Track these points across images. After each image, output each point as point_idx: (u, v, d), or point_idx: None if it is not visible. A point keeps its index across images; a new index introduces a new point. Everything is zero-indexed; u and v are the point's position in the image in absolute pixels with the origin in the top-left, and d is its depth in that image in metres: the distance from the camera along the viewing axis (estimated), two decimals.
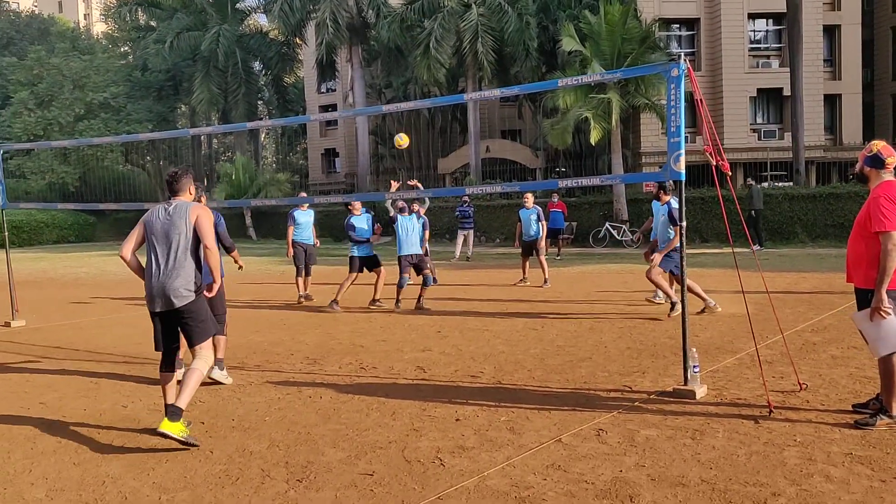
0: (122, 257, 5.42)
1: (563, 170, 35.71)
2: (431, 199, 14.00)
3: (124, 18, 47.13)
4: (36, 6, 79.43)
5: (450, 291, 13.67)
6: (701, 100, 6.13)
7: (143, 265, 5.41)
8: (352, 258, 12.10)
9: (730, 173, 6.18)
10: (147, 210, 5.53)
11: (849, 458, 4.50)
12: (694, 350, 6.10)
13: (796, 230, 23.59)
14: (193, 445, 5.04)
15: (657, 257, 9.79)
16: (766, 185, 31.28)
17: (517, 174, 37.42)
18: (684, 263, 6.27)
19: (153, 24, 47.48)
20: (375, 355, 8.21)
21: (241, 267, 7.72)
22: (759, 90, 34.69)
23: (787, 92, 30.83)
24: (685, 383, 6.04)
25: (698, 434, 5.04)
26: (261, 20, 50.78)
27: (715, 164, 6.05)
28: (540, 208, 14.73)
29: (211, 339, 5.48)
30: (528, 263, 14.77)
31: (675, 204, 9.64)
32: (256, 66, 47.08)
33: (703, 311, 9.99)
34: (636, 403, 5.87)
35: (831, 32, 36.10)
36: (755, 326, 6.84)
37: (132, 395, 6.68)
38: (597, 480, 4.29)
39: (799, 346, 7.81)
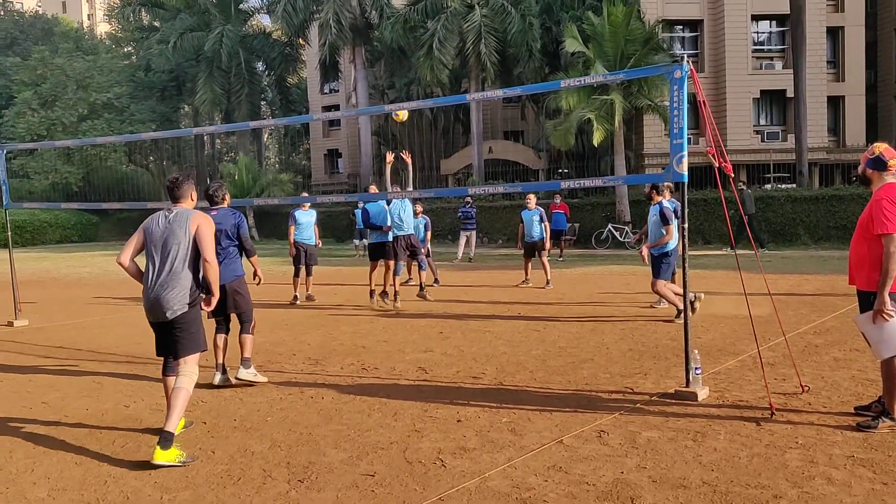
0: (119, 263, 5.27)
1: (566, 171, 35.67)
2: (433, 199, 14.03)
3: (128, 19, 47.17)
4: (39, 6, 79.53)
5: (452, 292, 13.66)
6: (704, 101, 6.13)
7: (143, 271, 5.26)
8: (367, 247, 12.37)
9: (732, 175, 6.18)
10: (149, 211, 5.45)
11: (851, 460, 4.49)
12: (696, 352, 6.10)
13: (799, 232, 23.56)
14: (192, 461, 4.88)
15: (644, 251, 9.78)
16: (769, 186, 31.27)
17: (520, 175, 37.41)
18: (686, 264, 6.26)
19: (157, 24, 47.55)
20: (377, 356, 8.22)
21: (259, 281, 7.43)
22: (762, 92, 34.65)
23: (790, 94, 30.80)
24: (687, 385, 6.04)
25: (700, 436, 5.04)
26: (264, 21, 50.93)
27: (717, 165, 6.04)
28: (542, 209, 14.73)
29: (198, 354, 5.22)
30: (530, 265, 14.77)
31: (666, 204, 9.64)
32: (260, 66, 47.09)
33: (678, 315, 9.75)
34: (638, 405, 5.87)
35: (835, 34, 36.06)
36: (757, 328, 6.84)
37: (134, 394, 6.69)
38: (598, 482, 4.29)
39: (801, 348, 7.80)
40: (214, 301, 5.32)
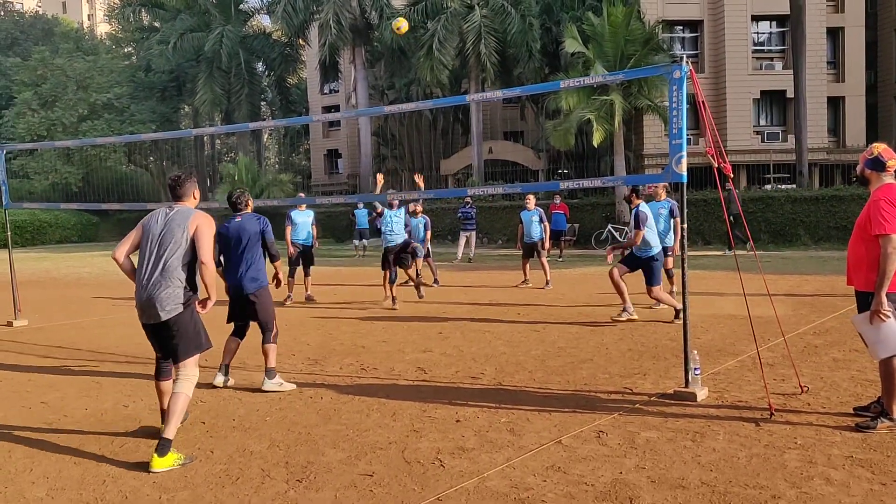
0: (114, 259, 5.09)
1: (566, 171, 35.68)
2: (433, 199, 14.07)
3: (128, 19, 47.18)
4: (40, 7, 79.58)
5: (451, 292, 13.66)
6: (703, 102, 6.13)
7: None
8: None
9: (732, 175, 6.18)
10: (149, 211, 5.30)
11: (849, 460, 4.49)
12: (695, 352, 6.10)
13: (799, 232, 23.55)
14: (191, 461, 4.85)
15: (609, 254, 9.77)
16: (769, 187, 31.26)
17: (519, 175, 37.42)
18: (685, 264, 6.26)
19: (157, 24, 47.57)
20: (376, 356, 8.22)
21: (278, 284, 7.31)
22: (762, 92, 34.64)
23: (790, 94, 30.79)
24: (686, 385, 6.04)
25: (699, 436, 5.04)
26: (264, 21, 50.94)
27: (717, 166, 6.04)
28: (542, 210, 14.73)
29: (197, 356, 5.08)
30: (528, 265, 14.77)
31: (642, 208, 9.61)
32: (259, 67, 47.12)
33: (621, 313, 9.95)
34: (637, 405, 5.87)
35: (835, 35, 36.04)
36: (757, 329, 6.84)
37: (133, 394, 6.68)
38: (597, 482, 4.29)
39: (800, 348, 7.80)
40: (210, 304, 5.09)
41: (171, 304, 4.87)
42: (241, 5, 44.63)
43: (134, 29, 49.87)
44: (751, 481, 4.22)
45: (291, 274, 13.16)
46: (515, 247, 15.36)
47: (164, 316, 4.88)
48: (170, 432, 4.78)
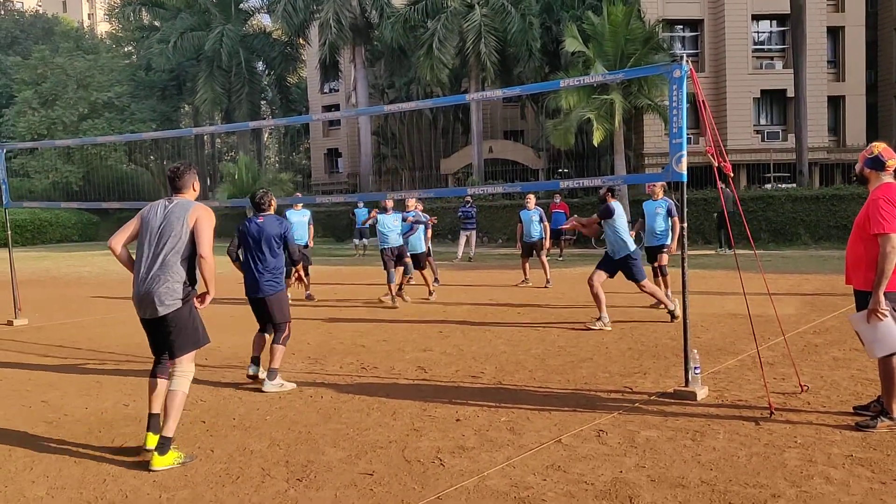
0: (110, 247, 4.97)
1: (566, 170, 35.69)
2: (433, 199, 14.07)
3: (128, 18, 47.22)
4: (40, 6, 79.53)
5: (452, 292, 13.66)
6: (703, 101, 6.13)
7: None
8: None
9: (732, 175, 6.18)
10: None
11: (849, 459, 4.49)
12: (695, 351, 6.10)
13: (799, 231, 23.55)
14: (191, 460, 4.85)
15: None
16: (769, 186, 31.26)
17: (519, 175, 37.42)
18: (685, 263, 6.26)
19: (157, 24, 47.61)
20: (376, 355, 8.22)
21: (299, 280, 7.43)
22: (762, 91, 34.65)
23: (790, 93, 30.80)
24: (686, 384, 6.04)
25: (699, 435, 5.04)
26: (264, 20, 50.97)
27: (717, 165, 6.04)
28: (542, 209, 14.73)
29: (193, 353, 5.00)
30: (528, 264, 14.76)
31: (612, 205, 9.55)
32: (260, 66, 47.16)
33: (595, 321, 9.56)
34: (637, 404, 5.87)
35: (835, 34, 36.06)
36: (757, 328, 6.84)
37: (134, 393, 6.68)
38: (596, 481, 4.29)
39: (800, 347, 7.80)
40: (209, 299, 4.98)
41: (169, 298, 4.77)
42: (242, 4, 44.65)
43: (134, 28, 49.91)
44: (751, 480, 4.22)
45: (288, 274, 13.12)
46: (515, 246, 15.36)
47: (162, 311, 4.78)
48: (169, 430, 4.76)
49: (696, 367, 6.01)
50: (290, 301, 11.95)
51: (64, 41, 50.49)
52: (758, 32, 35.76)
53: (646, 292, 9.74)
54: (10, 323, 11.37)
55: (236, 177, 38.06)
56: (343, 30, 36.17)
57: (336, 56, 39.14)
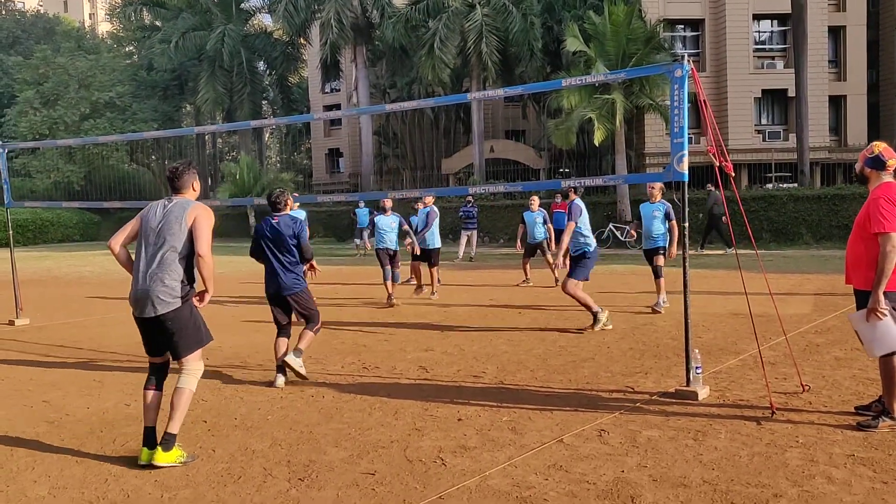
0: (110, 247, 4.96)
1: (567, 170, 35.69)
2: (436, 197, 14.11)
3: (129, 18, 47.27)
4: (41, 6, 79.55)
5: (453, 291, 13.66)
6: (705, 101, 6.13)
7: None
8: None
9: (733, 174, 6.18)
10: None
11: (851, 459, 4.49)
12: (696, 351, 6.10)
13: (801, 231, 23.55)
14: (193, 460, 4.85)
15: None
16: (770, 186, 31.26)
17: (521, 174, 37.43)
18: (686, 263, 6.25)
19: (158, 23, 47.63)
20: (378, 355, 8.22)
21: (312, 269, 7.55)
22: (763, 91, 34.64)
23: (791, 93, 30.79)
24: (687, 384, 6.04)
25: (700, 435, 5.04)
26: (265, 20, 50.99)
27: (718, 165, 6.04)
28: (545, 212, 14.69)
29: (200, 351, 4.95)
30: (529, 264, 14.74)
31: (577, 202, 9.40)
32: (261, 65, 47.20)
33: (593, 324, 9.31)
34: (638, 404, 5.87)
35: (836, 33, 36.03)
36: (758, 328, 6.84)
37: (135, 393, 6.67)
38: (598, 481, 4.29)
39: (802, 347, 7.80)
40: (208, 297, 4.92)
41: (167, 297, 4.71)
42: (243, 4, 44.71)
43: (135, 28, 49.94)
44: (752, 480, 4.22)
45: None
46: (516, 247, 15.36)
47: (161, 309, 4.71)
48: (174, 427, 4.75)
49: (697, 367, 6.00)
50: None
51: (65, 41, 50.56)
52: (759, 32, 35.76)
53: (566, 292, 9.26)
54: (11, 323, 11.38)
55: (237, 177, 38.13)
56: (344, 29, 36.17)
57: (337, 56, 39.15)
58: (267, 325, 10.38)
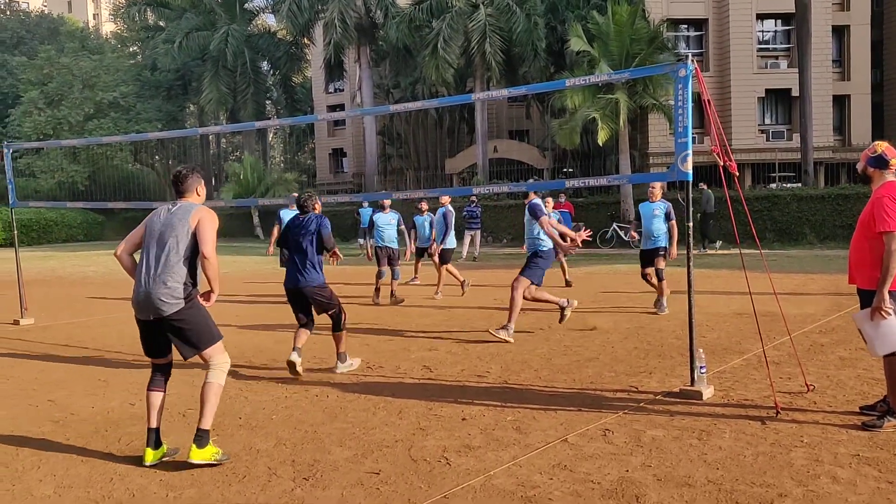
0: (116, 256, 4.99)
1: (571, 170, 35.67)
2: (438, 198, 14.10)
3: (133, 18, 47.30)
4: (45, 6, 79.68)
5: (456, 291, 13.66)
6: (709, 100, 6.12)
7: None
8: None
9: (737, 174, 6.17)
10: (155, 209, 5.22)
11: (856, 459, 4.49)
12: (701, 351, 6.10)
13: (805, 231, 23.52)
14: (228, 459, 4.82)
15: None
16: (774, 185, 31.22)
17: (525, 174, 37.41)
18: (690, 263, 6.25)
19: (162, 24, 47.71)
20: (382, 354, 8.23)
21: (336, 261, 7.72)
22: (767, 91, 34.58)
23: (795, 92, 30.73)
24: (692, 384, 6.04)
25: (705, 434, 5.04)
26: (269, 20, 50.97)
27: (722, 164, 6.03)
28: (559, 214, 14.56)
29: (220, 343, 4.92)
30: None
31: (535, 201, 9.13)
32: (265, 65, 47.24)
33: (561, 316, 9.15)
34: (642, 404, 5.87)
35: (840, 33, 35.96)
36: (762, 327, 6.84)
37: (140, 392, 6.66)
38: (603, 480, 4.29)
39: (806, 347, 7.79)
40: (214, 297, 4.94)
41: (170, 299, 4.69)
42: (246, 4, 44.75)
43: (139, 28, 50.04)
44: (757, 479, 4.22)
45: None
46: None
47: (165, 311, 4.69)
48: (206, 423, 4.71)
49: (701, 367, 6.00)
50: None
51: (69, 41, 50.64)
52: (762, 32, 35.70)
53: (512, 296, 8.77)
54: (16, 322, 11.41)
55: (241, 177, 38.17)
56: (348, 29, 36.17)
57: (341, 56, 39.15)
58: (271, 325, 10.41)
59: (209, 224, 4.84)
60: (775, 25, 35.90)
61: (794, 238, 23.48)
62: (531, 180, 9.63)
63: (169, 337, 4.86)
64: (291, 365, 7.07)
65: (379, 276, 12.82)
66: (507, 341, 8.60)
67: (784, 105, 35.66)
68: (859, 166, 5.25)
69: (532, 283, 8.84)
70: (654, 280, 10.72)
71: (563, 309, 9.15)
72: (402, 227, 13.49)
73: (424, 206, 14.66)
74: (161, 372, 5.02)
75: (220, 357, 4.90)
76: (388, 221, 12.99)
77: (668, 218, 10.60)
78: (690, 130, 5.95)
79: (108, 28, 75.43)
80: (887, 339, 4.88)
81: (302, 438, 5.26)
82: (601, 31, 25.40)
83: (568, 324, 9.73)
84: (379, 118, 42.06)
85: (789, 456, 4.58)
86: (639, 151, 33.50)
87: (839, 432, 4.99)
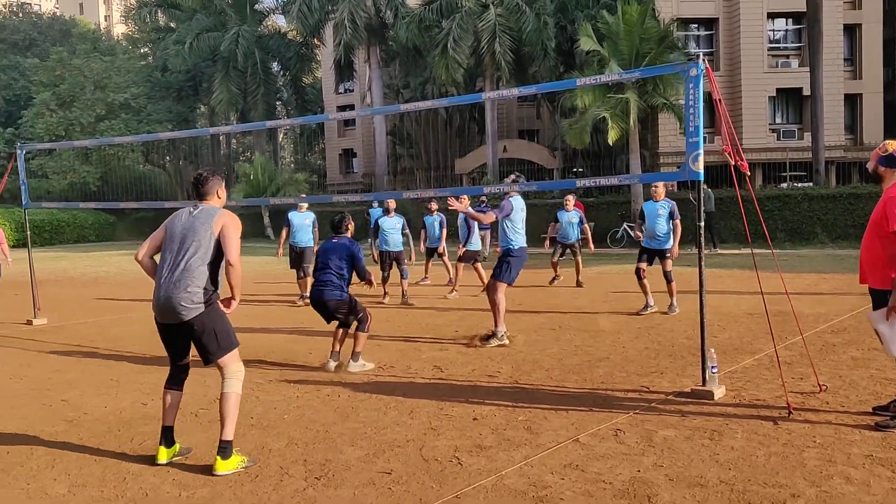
0: (137, 260, 4.99)
1: (581, 170, 35.62)
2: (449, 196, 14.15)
3: (144, 20, 47.47)
4: (57, 8, 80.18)
5: (466, 291, 13.66)
6: (720, 99, 6.11)
7: None
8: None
9: (748, 173, 6.16)
10: (167, 210, 5.24)
11: (869, 459, 4.47)
12: (712, 350, 6.09)
13: (816, 231, 23.41)
14: (254, 464, 4.80)
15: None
16: (784, 185, 31.09)
17: (534, 174, 37.37)
18: (702, 262, 6.23)
19: (173, 25, 47.84)
20: (393, 354, 8.24)
21: (370, 286, 7.91)
22: (778, 90, 34.45)
23: (806, 92, 30.60)
24: (703, 384, 6.03)
25: (717, 435, 5.02)
26: (279, 21, 51.09)
27: (734, 164, 6.02)
28: (581, 211, 14.44)
29: (236, 351, 4.89)
30: (558, 262, 14.55)
31: (513, 201, 8.79)
32: (275, 66, 47.28)
33: (489, 337, 8.68)
34: (654, 404, 5.86)
35: (852, 31, 35.80)
36: (774, 327, 6.81)
37: (152, 392, 6.72)
38: (615, 480, 4.29)
39: (818, 347, 7.76)
40: (235, 304, 4.92)
41: (190, 304, 4.67)
42: (257, 5, 44.83)
43: (150, 29, 50.18)
44: (770, 480, 4.21)
45: (298, 276, 13.15)
46: (544, 246, 15.23)
47: (186, 316, 4.67)
48: (228, 434, 4.69)
49: (713, 367, 5.99)
50: (304, 302, 12.07)
51: (81, 43, 50.85)
52: (773, 31, 35.58)
53: (489, 297, 8.79)
54: (29, 322, 11.48)
55: (252, 177, 38.23)
56: (358, 30, 36.21)
57: (351, 56, 39.20)
58: (282, 325, 10.44)
59: (234, 230, 4.83)
60: (786, 24, 35.78)
61: (806, 238, 23.38)
62: (512, 177, 9.44)
63: (193, 344, 4.86)
64: (328, 370, 7.50)
65: (384, 280, 13.04)
66: (504, 345, 8.50)
67: (795, 104, 35.52)
68: (870, 165, 5.22)
69: (507, 283, 8.71)
70: (646, 281, 10.59)
71: (494, 336, 8.65)
72: (407, 231, 13.54)
73: (434, 206, 14.66)
74: (179, 372, 5.03)
75: (234, 366, 4.87)
76: (392, 226, 13.12)
77: (672, 217, 10.50)
78: (702, 130, 5.94)
79: (119, 29, 75.77)
80: None
81: (314, 438, 5.28)
82: (611, 31, 25.35)
83: (579, 324, 9.73)
84: (389, 118, 42.09)
85: (802, 456, 4.56)
86: (649, 151, 33.42)
87: (852, 433, 4.97)
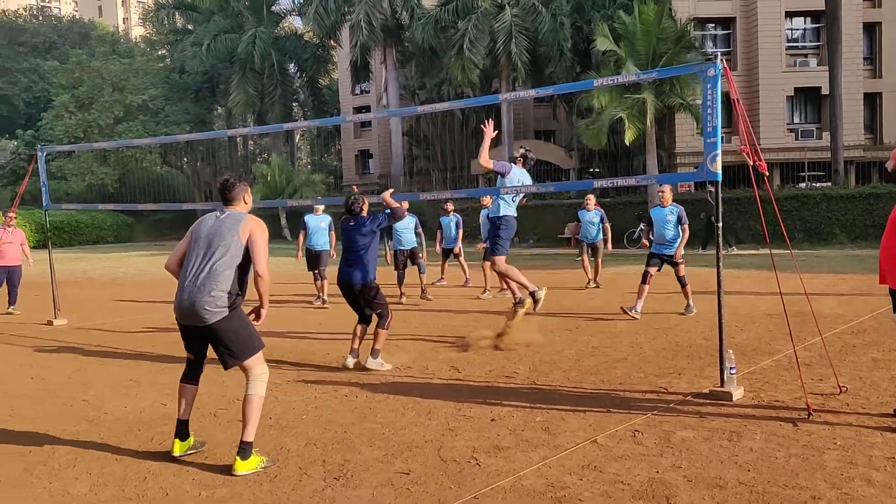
0: (167, 268, 5.01)
1: (598, 170, 35.53)
2: (464, 199, 14.23)
3: (162, 22, 47.87)
4: (77, 11, 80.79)
5: (481, 291, 13.66)
6: (738, 99, 6.08)
7: None
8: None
9: (767, 173, 6.13)
10: (184, 212, 5.23)
11: (891, 462, 4.43)
12: (730, 351, 6.06)
13: (835, 231, 23.26)
14: (273, 464, 4.81)
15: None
16: (803, 185, 30.89)
17: (551, 175, 37.29)
18: (720, 263, 6.21)
19: (190, 27, 48.17)
20: (410, 354, 8.26)
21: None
22: (796, 89, 34.23)
23: (825, 91, 30.41)
24: (721, 385, 6.00)
25: (735, 436, 5.00)
26: (296, 22, 51.33)
27: (752, 164, 5.99)
28: (603, 211, 14.33)
29: (261, 353, 4.88)
30: (589, 263, 14.47)
31: (517, 173, 9.13)
32: (292, 68, 47.51)
33: (517, 302, 8.77)
34: (672, 405, 5.84)
35: (871, 30, 35.52)
36: (793, 328, 6.77)
37: (171, 393, 6.73)
38: (633, 481, 4.28)
39: (838, 348, 7.71)
40: (265, 313, 4.97)
41: (213, 307, 4.67)
42: (274, 7, 45.05)
43: (168, 31, 50.56)
44: (790, 482, 4.18)
45: (315, 278, 13.16)
46: (570, 245, 15.14)
47: (209, 319, 4.68)
48: (249, 435, 4.70)
49: (731, 368, 5.96)
50: (322, 303, 12.10)
51: (100, 45, 51.28)
52: (791, 29, 35.34)
53: (497, 273, 9.23)
54: (49, 323, 11.57)
55: (269, 178, 38.40)
56: (374, 31, 36.31)
57: (367, 57, 39.28)
58: (300, 326, 10.47)
59: (261, 237, 4.84)
60: (804, 23, 35.53)
61: (824, 238, 23.22)
62: (521, 150, 9.46)
63: (213, 347, 4.87)
64: (346, 367, 7.62)
65: (399, 280, 13.22)
66: (532, 312, 8.73)
67: (814, 104, 35.27)
68: (889, 165, 5.19)
69: (504, 255, 8.71)
70: (648, 286, 10.46)
71: (524, 301, 8.67)
72: (420, 230, 13.59)
73: (450, 206, 14.67)
74: (195, 367, 5.09)
75: (259, 368, 4.87)
76: (406, 226, 13.16)
77: (680, 221, 10.41)
78: (720, 130, 5.92)
79: (137, 32, 76.34)
80: None
81: (332, 438, 5.30)
82: (627, 31, 25.30)
83: (596, 325, 9.71)
84: (405, 119, 42.16)
85: (822, 458, 4.53)
86: (666, 151, 33.30)
87: (873, 434, 4.94)
